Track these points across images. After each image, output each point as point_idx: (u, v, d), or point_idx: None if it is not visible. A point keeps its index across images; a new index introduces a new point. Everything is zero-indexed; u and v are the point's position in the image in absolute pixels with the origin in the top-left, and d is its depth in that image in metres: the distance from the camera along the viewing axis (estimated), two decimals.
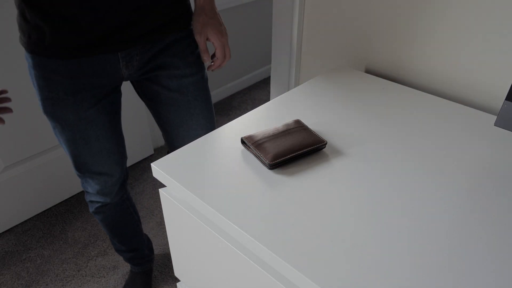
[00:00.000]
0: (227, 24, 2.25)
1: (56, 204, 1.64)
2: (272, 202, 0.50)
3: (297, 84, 1.06)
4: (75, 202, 1.66)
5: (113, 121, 0.91)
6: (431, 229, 0.47)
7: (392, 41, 0.82)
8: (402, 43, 0.81)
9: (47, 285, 1.33)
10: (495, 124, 0.65)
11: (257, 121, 0.67)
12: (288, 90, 1.07)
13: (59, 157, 1.56)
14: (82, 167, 0.92)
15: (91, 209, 1.05)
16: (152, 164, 0.57)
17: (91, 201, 1.03)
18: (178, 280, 1.36)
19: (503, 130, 0.65)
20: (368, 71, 0.90)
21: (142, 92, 0.95)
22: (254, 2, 2.31)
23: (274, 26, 1.01)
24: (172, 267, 1.39)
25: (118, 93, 0.91)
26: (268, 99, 2.50)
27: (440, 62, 0.78)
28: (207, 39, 0.87)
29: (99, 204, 1.03)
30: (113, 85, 0.86)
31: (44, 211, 1.61)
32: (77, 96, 0.81)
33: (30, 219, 1.58)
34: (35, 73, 0.79)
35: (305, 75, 1.04)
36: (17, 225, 1.55)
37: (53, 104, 0.81)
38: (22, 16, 0.75)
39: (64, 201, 1.66)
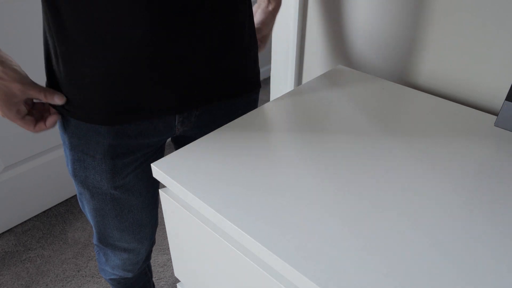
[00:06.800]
0: None
1: (56, 204, 1.64)
2: (273, 203, 0.50)
3: (297, 84, 1.06)
4: (75, 202, 1.66)
5: (152, 188, 0.76)
6: (430, 228, 0.47)
7: (392, 41, 0.82)
8: (402, 44, 0.81)
9: (47, 285, 1.33)
10: (495, 124, 0.65)
11: (257, 121, 0.67)
12: (288, 90, 1.07)
13: (59, 157, 1.56)
14: (105, 240, 0.78)
15: (104, 276, 0.89)
16: (152, 165, 0.57)
17: (103, 270, 0.88)
18: (178, 281, 1.36)
19: (503, 130, 0.65)
20: (368, 72, 0.90)
21: (176, 140, 0.82)
22: (253, 2, 2.31)
23: (274, 26, 1.01)
24: (172, 267, 1.38)
25: (162, 152, 0.76)
26: (268, 99, 2.50)
27: (440, 62, 0.77)
28: None
29: (115, 277, 0.88)
30: (161, 143, 0.73)
31: (44, 211, 1.61)
32: (117, 161, 0.66)
33: (30, 219, 1.58)
34: (68, 129, 0.64)
35: (305, 75, 1.04)
36: (17, 225, 1.55)
37: (85, 168, 0.66)
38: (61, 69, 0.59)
39: (64, 201, 1.66)
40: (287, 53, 1.01)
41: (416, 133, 0.64)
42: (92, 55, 0.56)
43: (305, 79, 1.04)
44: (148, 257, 0.89)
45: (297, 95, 0.74)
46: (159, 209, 1.62)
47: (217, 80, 0.66)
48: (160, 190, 0.60)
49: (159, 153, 0.74)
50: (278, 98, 0.73)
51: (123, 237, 0.77)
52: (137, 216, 0.75)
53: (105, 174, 0.66)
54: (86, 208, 0.73)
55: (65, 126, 0.64)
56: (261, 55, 2.62)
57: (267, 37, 0.84)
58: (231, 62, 0.67)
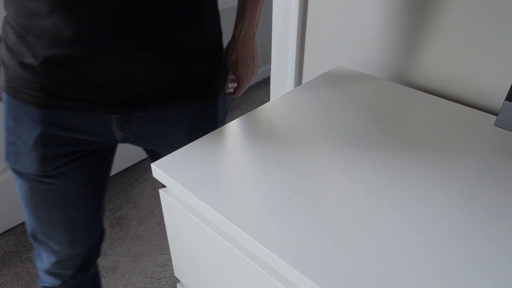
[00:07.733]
0: (226, 25, 2.25)
1: None
2: (273, 203, 0.50)
3: (297, 84, 1.06)
4: None
5: (92, 189, 0.71)
6: (430, 229, 0.47)
7: (392, 41, 0.82)
8: (402, 43, 0.81)
9: None
10: (495, 124, 0.65)
11: (257, 121, 0.67)
12: (288, 90, 1.07)
13: None
14: (35, 236, 0.73)
15: (40, 283, 0.83)
16: (152, 165, 0.57)
17: (39, 276, 0.82)
18: (178, 281, 1.36)
19: (503, 130, 0.65)
20: (368, 71, 0.90)
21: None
22: None
23: (274, 26, 1.01)
24: (172, 267, 1.38)
25: (110, 153, 0.72)
26: (268, 99, 2.50)
27: (440, 63, 0.78)
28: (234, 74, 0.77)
29: (47, 284, 0.81)
30: (103, 145, 0.69)
31: None
32: (49, 150, 0.64)
33: None
34: (7, 109, 0.64)
35: (305, 75, 1.04)
36: (17, 225, 1.55)
37: (17, 153, 0.64)
38: (9, 41, 0.60)
39: None
40: (287, 53, 1.01)
41: (416, 133, 0.64)
42: (29, 43, 0.58)
43: (305, 79, 1.04)
44: (85, 268, 0.82)
45: (297, 95, 0.74)
46: (159, 209, 1.62)
47: (159, 89, 0.63)
48: (160, 190, 0.61)
49: (107, 155, 0.72)
50: (278, 98, 0.73)
51: (53, 234, 0.73)
52: (70, 214, 0.71)
53: (35, 161, 0.64)
54: (19, 196, 0.70)
55: (5, 107, 0.65)
56: (261, 55, 2.62)
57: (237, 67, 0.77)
58: (176, 71, 0.63)
